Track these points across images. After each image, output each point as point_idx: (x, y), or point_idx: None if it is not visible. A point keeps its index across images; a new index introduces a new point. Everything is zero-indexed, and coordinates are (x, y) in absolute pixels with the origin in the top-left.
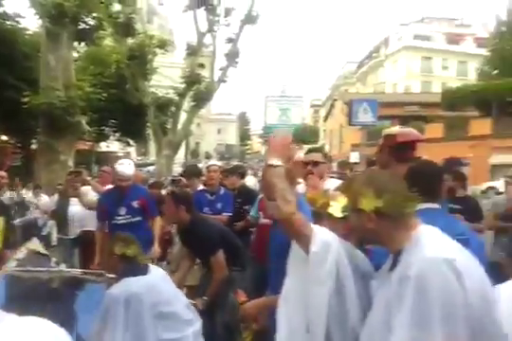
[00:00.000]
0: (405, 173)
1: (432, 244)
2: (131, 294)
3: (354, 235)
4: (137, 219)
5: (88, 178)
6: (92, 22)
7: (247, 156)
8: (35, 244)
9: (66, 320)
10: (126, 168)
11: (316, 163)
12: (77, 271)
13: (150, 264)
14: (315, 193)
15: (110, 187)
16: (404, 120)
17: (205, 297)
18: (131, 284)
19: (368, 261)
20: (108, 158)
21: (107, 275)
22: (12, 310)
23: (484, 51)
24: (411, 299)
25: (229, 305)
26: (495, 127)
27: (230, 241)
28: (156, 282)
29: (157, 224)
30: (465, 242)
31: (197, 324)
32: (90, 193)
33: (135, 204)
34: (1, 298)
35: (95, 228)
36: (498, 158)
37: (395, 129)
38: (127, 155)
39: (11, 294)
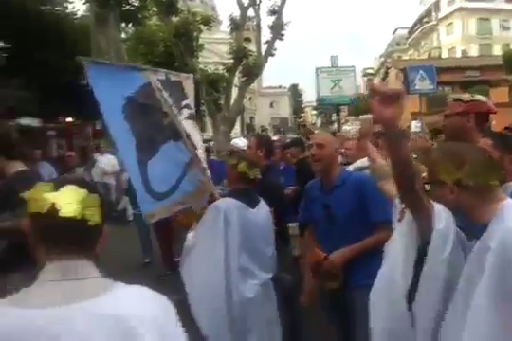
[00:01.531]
0: (498, 143)
1: None
2: (233, 214)
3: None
4: None
5: None
6: (136, 2)
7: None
8: None
9: None
10: (238, 141)
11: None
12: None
13: (261, 199)
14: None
15: None
16: (465, 86)
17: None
18: (236, 207)
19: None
20: None
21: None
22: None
23: None
24: (492, 269)
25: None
26: None
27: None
28: (255, 218)
29: None
30: None
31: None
32: None
33: None
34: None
35: None
36: None
37: (479, 96)
38: None
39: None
